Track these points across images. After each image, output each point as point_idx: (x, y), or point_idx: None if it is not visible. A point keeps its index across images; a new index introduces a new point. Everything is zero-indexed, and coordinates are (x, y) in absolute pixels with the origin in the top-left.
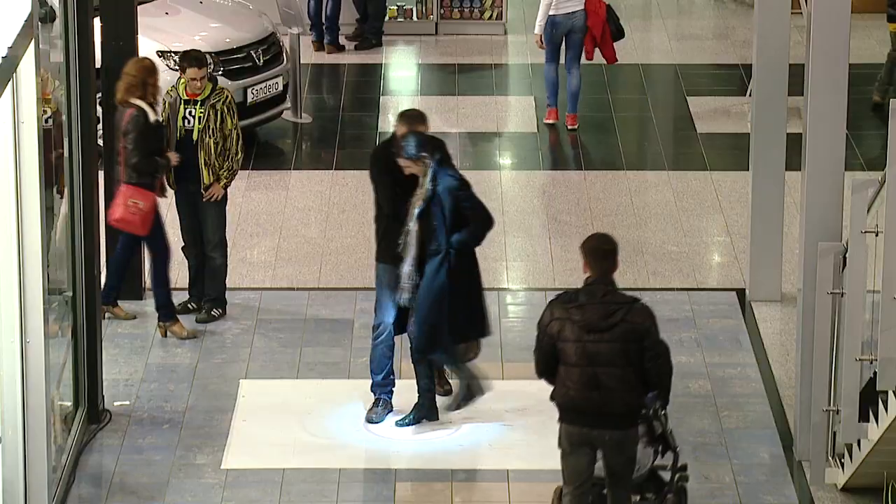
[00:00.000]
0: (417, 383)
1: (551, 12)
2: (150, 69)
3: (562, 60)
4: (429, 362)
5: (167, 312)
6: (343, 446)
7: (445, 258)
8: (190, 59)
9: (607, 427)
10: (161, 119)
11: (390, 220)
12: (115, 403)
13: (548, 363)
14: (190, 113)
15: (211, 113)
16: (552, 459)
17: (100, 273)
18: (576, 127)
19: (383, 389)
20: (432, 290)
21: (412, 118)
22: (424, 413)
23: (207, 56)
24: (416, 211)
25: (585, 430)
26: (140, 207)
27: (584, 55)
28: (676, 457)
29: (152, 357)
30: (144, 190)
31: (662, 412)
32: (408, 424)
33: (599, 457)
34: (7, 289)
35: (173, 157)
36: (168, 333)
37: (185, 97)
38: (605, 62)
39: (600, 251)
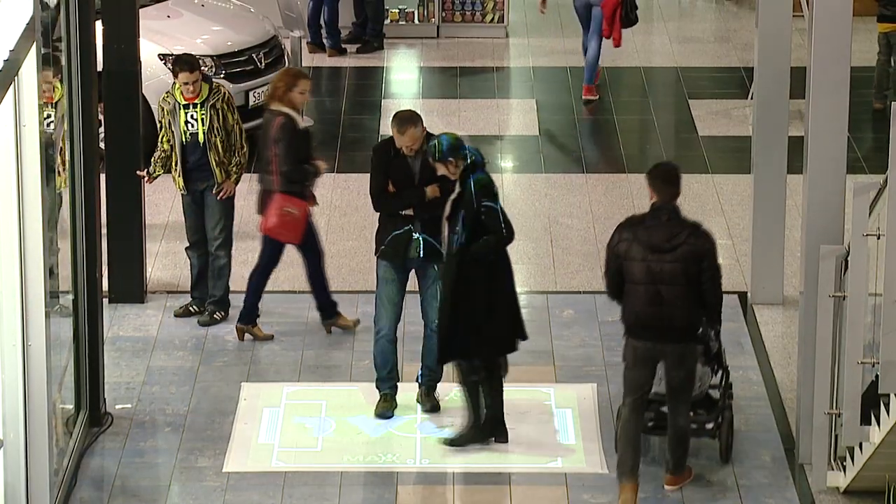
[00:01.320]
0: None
1: None
2: (296, 76)
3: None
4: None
5: (330, 311)
6: (344, 449)
7: (458, 263)
8: (182, 63)
9: (670, 341)
10: (307, 126)
11: (381, 216)
12: (117, 406)
13: (616, 283)
14: (192, 117)
15: (213, 113)
16: (553, 462)
17: (101, 275)
18: (592, 98)
19: (388, 384)
20: (441, 294)
21: (403, 119)
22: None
23: (200, 59)
24: (447, 213)
25: (650, 344)
26: (294, 215)
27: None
28: (727, 375)
29: (154, 360)
30: (296, 198)
31: (714, 332)
32: (458, 446)
33: (661, 374)
34: (9, 292)
35: (322, 166)
36: (332, 330)
37: (184, 101)
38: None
39: (666, 176)
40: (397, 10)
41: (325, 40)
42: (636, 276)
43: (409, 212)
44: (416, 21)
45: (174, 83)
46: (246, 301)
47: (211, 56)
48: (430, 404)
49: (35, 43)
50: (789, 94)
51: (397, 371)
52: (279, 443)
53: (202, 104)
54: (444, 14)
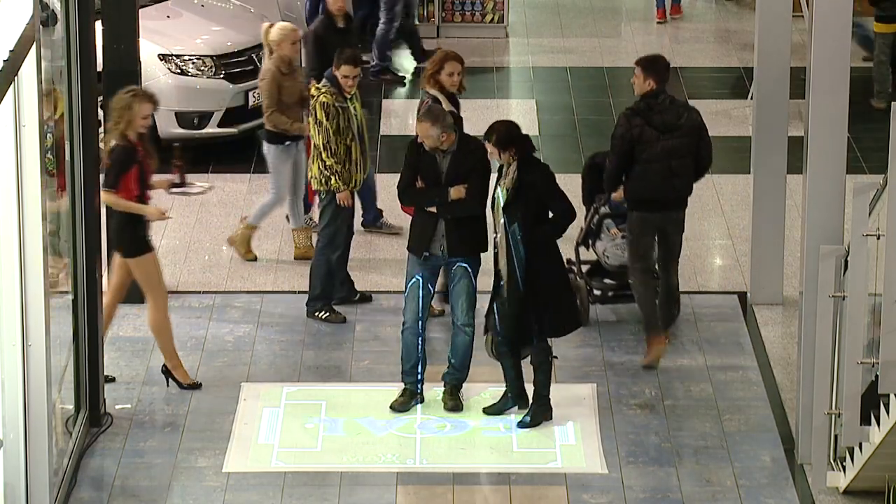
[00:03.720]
0: (504, 375)
1: None
2: (444, 58)
3: None
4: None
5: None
6: (344, 449)
7: (519, 248)
8: (347, 57)
9: (675, 209)
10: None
11: (416, 211)
12: (117, 406)
13: (622, 168)
14: (354, 108)
15: (359, 105)
16: (553, 462)
17: (101, 275)
18: (678, 16)
19: (410, 378)
20: (511, 291)
21: (424, 113)
22: (512, 402)
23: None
24: (502, 200)
25: (657, 214)
26: None
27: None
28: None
29: (154, 360)
30: None
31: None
32: (493, 414)
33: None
34: (8, 292)
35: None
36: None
37: (346, 95)
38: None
39: (662, 63)
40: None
41: None
42: (651, 154)
43: (433, 209)
44: (416, 21)
45: (321, 86)
46: None
47: (211, 56)
48: (453, 403)
49: (35, 43)
50: (789, 94)
51: (421, 368)
52: (279, 443)
53: (352, 98)
54: (444, 14)
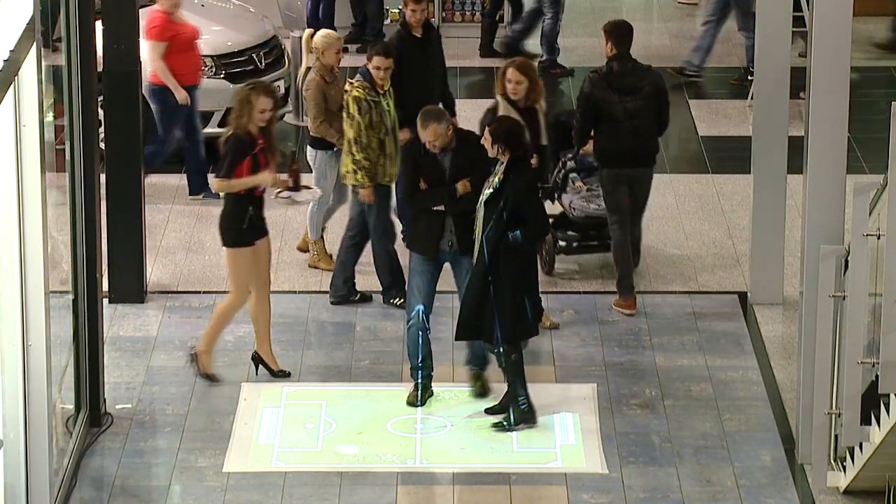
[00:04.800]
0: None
1: None
2: (507, 66)
3: None
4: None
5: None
6: (345, 450)
7: (491, 249)
8: (379, 48)
9: (642, 164)
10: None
11: (419, 211)
12: (117, 406)
13: (586, 127)
14: (388, 104)
15: (392, 100)
16: (554, 462)
17: (101, 275)
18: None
19: (421, 373)
20: (472, 277)
21: (427, 114)
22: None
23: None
24: (483, 197)
25: (626, 170)
26: None
27: None
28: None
29: (154, 360)
30: None
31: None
32: (494, 414)
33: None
34: (9, 292)
35: (533, 161)
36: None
37: (381, 91)
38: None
39: (623, 29)
40: (397, 10)
41: None
42: (616, 115)
43: (441, 207)
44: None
45: (354, 80)
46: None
47: (211, 56)
48: (479, 390)
49: (35, 43)
50: (789, 94)
51: (430, 361)
52: (279, 443)
53: (387, 93)
54: (444, 14)
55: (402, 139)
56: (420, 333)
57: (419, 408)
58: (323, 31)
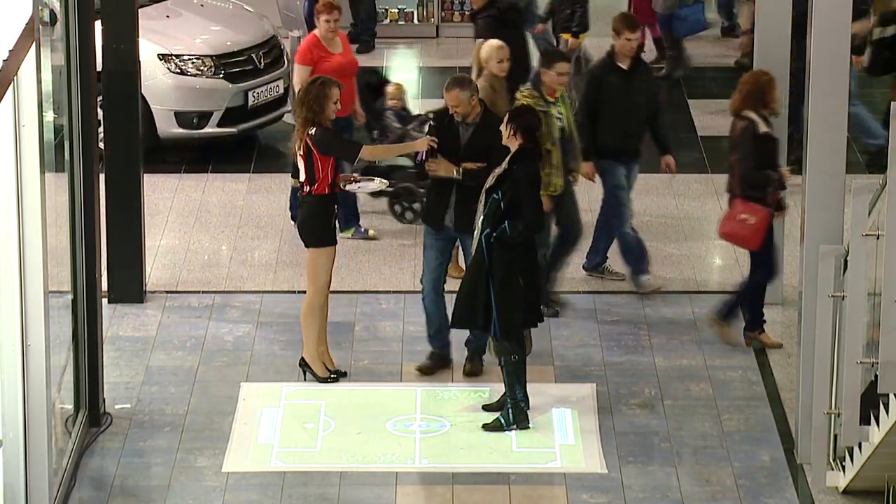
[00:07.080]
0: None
1: None
2: (770, 82)
3: None
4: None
5: (758, 324)
6: (344, 449)
7: (487, 239)
8: (559, 55)
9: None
10: (770, 131)
11: (432, 182)
12: (116, 406)
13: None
14: (559, 112)
15: (567, 108)
16: (553, 462)
17: (100, 275)
18: None
19: (435, 343)
20: (469, 265)
21: (452, 81)
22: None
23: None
24: (487, 184)
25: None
26: (749, 223)
27: None
28: None
29: (153, 360)
30: (755, 204)
31: None
32: (493, 412)
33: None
34: (8, 292)
35: (786, 174)
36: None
37: (550, 99)
38: None
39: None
40: (396, 10)
41: None
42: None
43: (457, 175)
44: (416, 21)
45: (523, 89)
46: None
47: (210, 56)
48: (471, 368)
49: (35, 43)
50: (789, 93)
51: (447, 332)
52: (279, 443)
53: (559, 100)
54: (443, 14)
55: (585, 173)
56: (433, 305)
57: (419, 407)
58: (489, 42)
